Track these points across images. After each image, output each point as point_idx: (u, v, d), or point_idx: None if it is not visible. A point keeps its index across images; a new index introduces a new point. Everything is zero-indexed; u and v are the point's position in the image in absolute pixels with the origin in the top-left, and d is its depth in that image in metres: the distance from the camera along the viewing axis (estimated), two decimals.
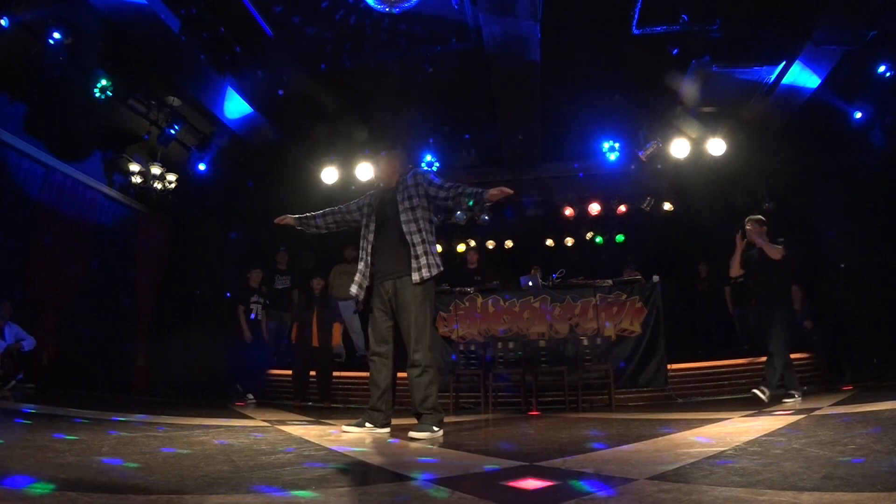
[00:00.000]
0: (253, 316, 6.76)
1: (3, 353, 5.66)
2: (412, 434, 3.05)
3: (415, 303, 3.27)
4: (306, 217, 3.74)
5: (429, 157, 8.15)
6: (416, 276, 3.27)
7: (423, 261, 3.29)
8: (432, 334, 3.37)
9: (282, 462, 2.09)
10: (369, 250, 3.47)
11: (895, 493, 1.32)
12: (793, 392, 4.71)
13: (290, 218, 3.75)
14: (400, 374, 3.47)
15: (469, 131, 8.26)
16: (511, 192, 3.28)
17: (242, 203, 8.93)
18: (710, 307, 8.60)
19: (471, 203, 3.31)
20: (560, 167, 8.74)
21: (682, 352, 7.22)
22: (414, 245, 3.30)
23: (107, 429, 3.02)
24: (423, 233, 3.35)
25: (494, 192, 3.25)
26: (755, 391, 4.69)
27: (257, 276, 6.96)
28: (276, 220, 3.80)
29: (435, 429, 3.12)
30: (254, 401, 6.46)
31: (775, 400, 4.69)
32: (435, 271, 3.33)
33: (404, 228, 3.34)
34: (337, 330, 6.63)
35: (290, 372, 6.74)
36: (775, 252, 4.96)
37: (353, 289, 3.44)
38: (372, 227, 3.51)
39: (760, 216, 5.25)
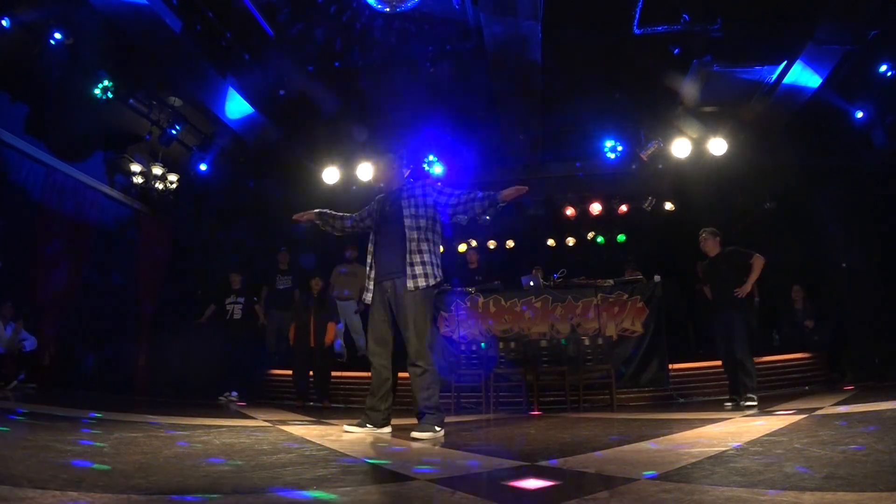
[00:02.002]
0: (230, 316, 6.78)
1: (3, 353, 5.67)
2: (414, 434, 3.04)
3: (414, 302, 3.26)
4: (327, 214, 3.70)
5: (431, 157, 8.15)
6: (410, 284, 3.25)
7: (418, 269, 3.27)
8: (432, 333, 3.37)
9: (283, 462, 2.09)
10: (373, 251, 3.49)
11: None
12: (753, 395, 4.66)
13: (310, 213, 3.70)
14: (400, 374, 3.47)
15: (470, 131, 8.27)
16: (526, 189, 3.31)
17: (243, 203, 8.94)
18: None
19: (486, 206, 3.33)
20: (561, 167, 8.75)
21: (683, 351, 7.21)
22: (411, 252, 3.29)
23: (108, 429, 3.02)
24: (425, 242, 3.34)
25: (509, 192, 3.27)
26: (745, 404, 4.58)
27: (237, 279, 6.99)
28: (295, 217, 3.74)
29: (437, 428, 3.12)
30: (235, 399, 6.36)
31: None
32: (432, 281, 3.31)
33: (407, 234, 3.33)
34: (331, 329, 6.61)
35: (290, 372, 6.74)
36: (759, 264, 4.97)
37: (368, 297, 3.43)
38: (375, 229, 3.54)
39: (714, 228, 5.49)
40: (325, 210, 3.73)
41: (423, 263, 3.29)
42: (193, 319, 7.21)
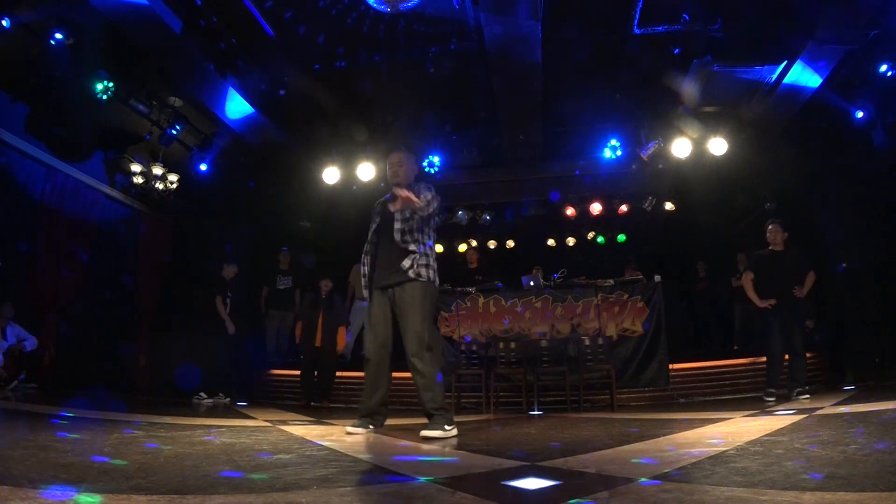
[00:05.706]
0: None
1: (5, 353, 5.66)
2: (425, 433, 3.02)
3: (414, 303, 3.26)
4: None
5: (435, 159, 8.15)
6: (411, 273, 3.27)
7: (417, 269, 3.28)
8: (431, 333, 3.36)
9: (284, 462, 2.09)
10: (373, 252, 3.51)
11: None
12: (805, 388, 4.93)
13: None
14: (401, 374, 3.47)
15: (470, 131, 8.27)
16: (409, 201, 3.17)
17: (244, 203, 8.93)
18: (712, 306, 8.59)
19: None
20: (561, 167, 8.74)
21: (683, 351, 7.21)
22: (404, 253, 3.32)
23: (109, 429, 3.03)
24: (418, 244, 3.35)
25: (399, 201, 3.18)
26: (802, 398, 4.73)
27: (231, 271, 6.71)
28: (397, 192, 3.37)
29: (447, 427, 3.10)
30: (208, 399, 6.19)
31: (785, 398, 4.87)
32: (433, 275, 3.34)
33: (396, 237, 3.35)
34: (342, 333, 6.57)
35: (292, 372, 6.73)
36: (812, 276, 5.21)
37: (366, 293, 3.49)
38: (374, 230, 3.54)
39: (780, 220, 5.52)
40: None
41: (421, 265, 3.30)
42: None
